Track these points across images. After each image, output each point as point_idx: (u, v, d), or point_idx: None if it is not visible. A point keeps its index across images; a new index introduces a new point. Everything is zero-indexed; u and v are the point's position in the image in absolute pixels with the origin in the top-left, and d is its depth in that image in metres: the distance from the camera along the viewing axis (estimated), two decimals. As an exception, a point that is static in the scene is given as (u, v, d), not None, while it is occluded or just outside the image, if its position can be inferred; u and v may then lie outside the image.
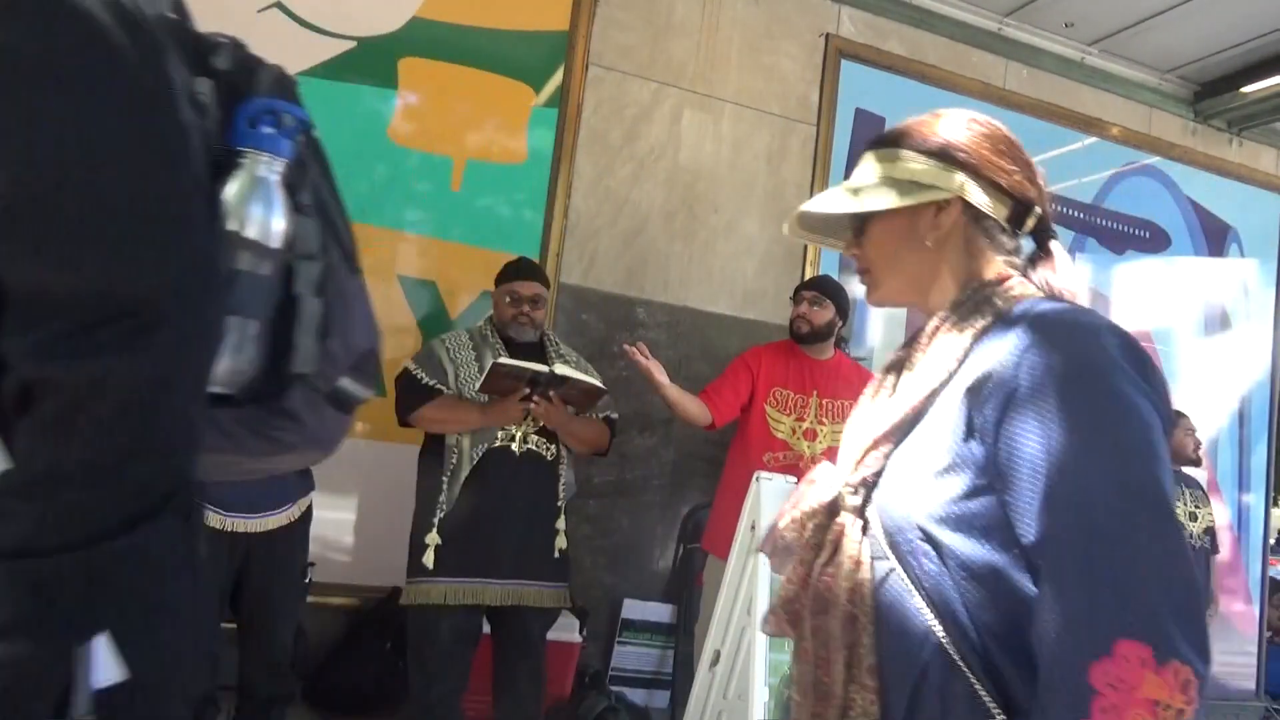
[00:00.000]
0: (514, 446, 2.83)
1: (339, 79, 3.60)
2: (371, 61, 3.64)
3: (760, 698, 2.40)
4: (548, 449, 2.89)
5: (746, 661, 2.47)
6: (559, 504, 2.90)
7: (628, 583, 3.81)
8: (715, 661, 2.62)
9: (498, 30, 3.85)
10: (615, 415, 3.12)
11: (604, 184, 4.00)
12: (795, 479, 2.64)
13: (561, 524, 2.90)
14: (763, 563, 2.50)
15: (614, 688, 3.63)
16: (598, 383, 2.84)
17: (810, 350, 3.33)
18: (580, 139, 3.94)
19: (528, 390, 2.75)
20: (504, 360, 2.69)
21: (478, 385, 2.74)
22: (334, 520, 3.44)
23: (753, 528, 2.58)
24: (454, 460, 2.79)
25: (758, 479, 2.63)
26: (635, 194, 4.05)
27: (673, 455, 3.99)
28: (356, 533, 3.56)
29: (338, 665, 3.31)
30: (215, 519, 2.59)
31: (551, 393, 2.78)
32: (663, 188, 4.10)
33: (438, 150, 3.75)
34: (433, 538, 2.75)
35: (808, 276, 4.28)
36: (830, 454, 3.15)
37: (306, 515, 2.83)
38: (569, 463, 2.95)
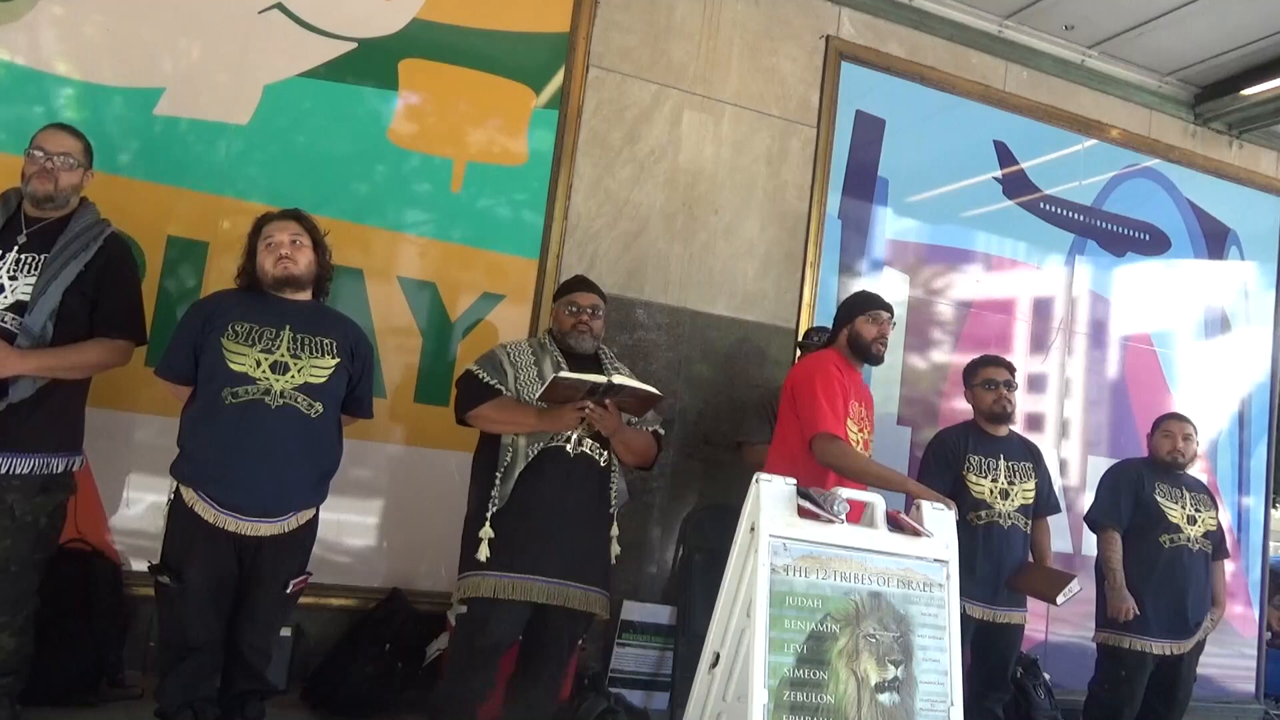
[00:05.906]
0: (568, 448, 2.86)
1: (339, 80, 3.60)
2: (372, 63, 3.65)
3: (760, 699, 2.39)
4: (600, 454, 2.92)
5: (746, 663, 2.47)
6: (611, 510, 2.94)
7: (627, 584, 3.80)
8: (715, 663, 2.61)
9: (498, 32, 3.85)
10: (663, 430, 3.15)
11: (604, 185, 4.01)
12: (794, 481, 2.65)
13: (614, 531, 2.95)
14: (763, 563, 2.50)
15: (613, 689, 3.63)
16: (653, 390, 2.88)
17: (858, 364, 3.32)
18: (580, 140, 3.95)
19: (584, 399, 2.79)
20: (565, 374, 2.74)
21: (538, 394, 2.80)
22: (334, 521, 3.42)
23: (752, 529, 2.58)
24: (508, 458, 2.83)
25: (757, 480, 2.62)
26: (635, 195, 4.05)
27: (672, 458, 3.98)
28: (357, 534, 3.56)
29: (337, 665, 3.31)
30: (210, 513, 2.57)
31: (607, 400, 2.82)
32: (663, 189, 4.10)
33: (438, 152, 3.75)
34: (486, 531, 2.77)
35: (808, 279, 4.29)
36: None
37: (306, 528, 2.75)
38: (620, 471, 2.99)
